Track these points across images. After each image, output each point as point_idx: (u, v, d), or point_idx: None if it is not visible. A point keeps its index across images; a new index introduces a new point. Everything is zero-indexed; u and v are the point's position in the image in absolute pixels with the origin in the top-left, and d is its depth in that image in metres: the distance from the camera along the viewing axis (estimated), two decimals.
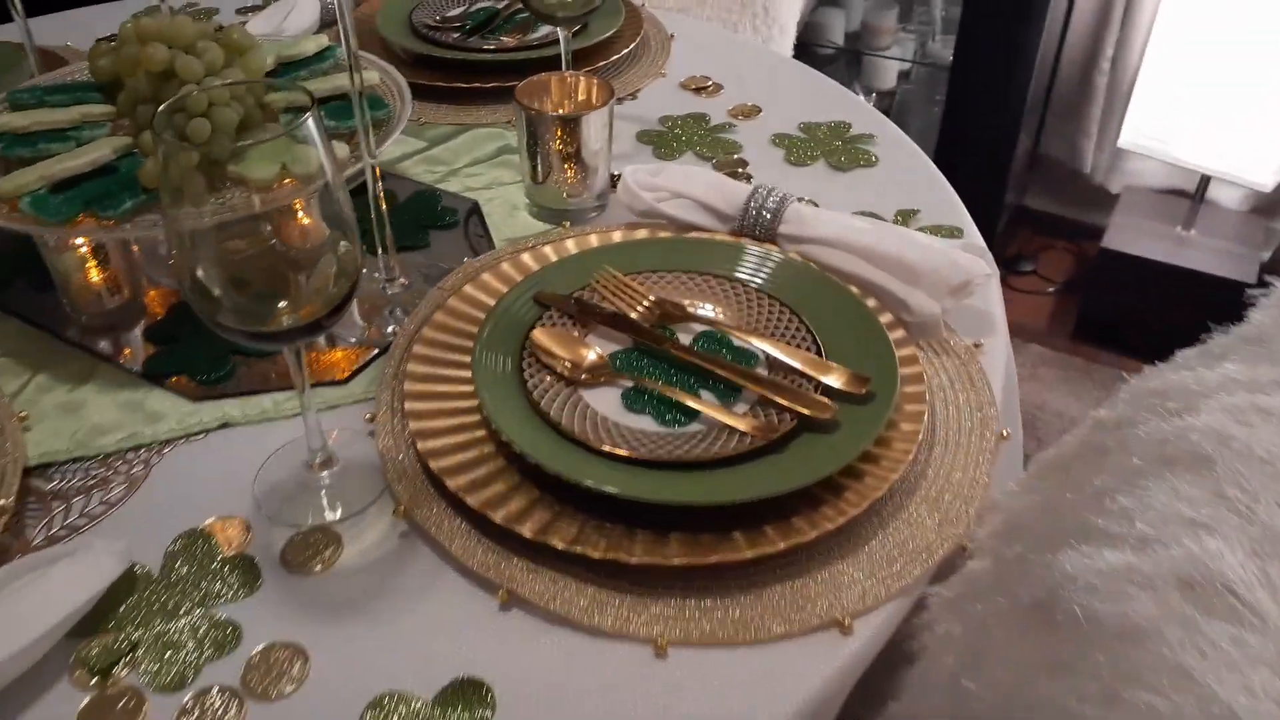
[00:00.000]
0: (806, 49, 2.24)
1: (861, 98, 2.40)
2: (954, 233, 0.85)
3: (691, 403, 0.65)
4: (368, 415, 0.69)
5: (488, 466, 0.63)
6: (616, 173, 0.92)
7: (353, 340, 0.76)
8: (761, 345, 0.69)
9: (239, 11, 1.26)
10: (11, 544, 0.61)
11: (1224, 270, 1.96)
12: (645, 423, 0.65)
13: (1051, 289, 2.28)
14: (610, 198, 0.89)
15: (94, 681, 0.54)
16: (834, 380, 0.66)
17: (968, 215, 0.88)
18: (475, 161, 0.96)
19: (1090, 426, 0.60)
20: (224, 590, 0.58)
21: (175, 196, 0.54)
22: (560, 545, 0.57)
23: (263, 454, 0.67)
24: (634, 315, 0.73)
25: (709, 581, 0.58)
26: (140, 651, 0.55)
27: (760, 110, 1.05)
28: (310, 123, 0.53)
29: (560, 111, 0.87)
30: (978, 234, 0.86)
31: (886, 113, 2.31)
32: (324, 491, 0.64)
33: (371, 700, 0.53)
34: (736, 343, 0.71)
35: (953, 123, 2.10)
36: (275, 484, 0.65)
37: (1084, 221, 2.38)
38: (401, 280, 0.79)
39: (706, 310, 0.74)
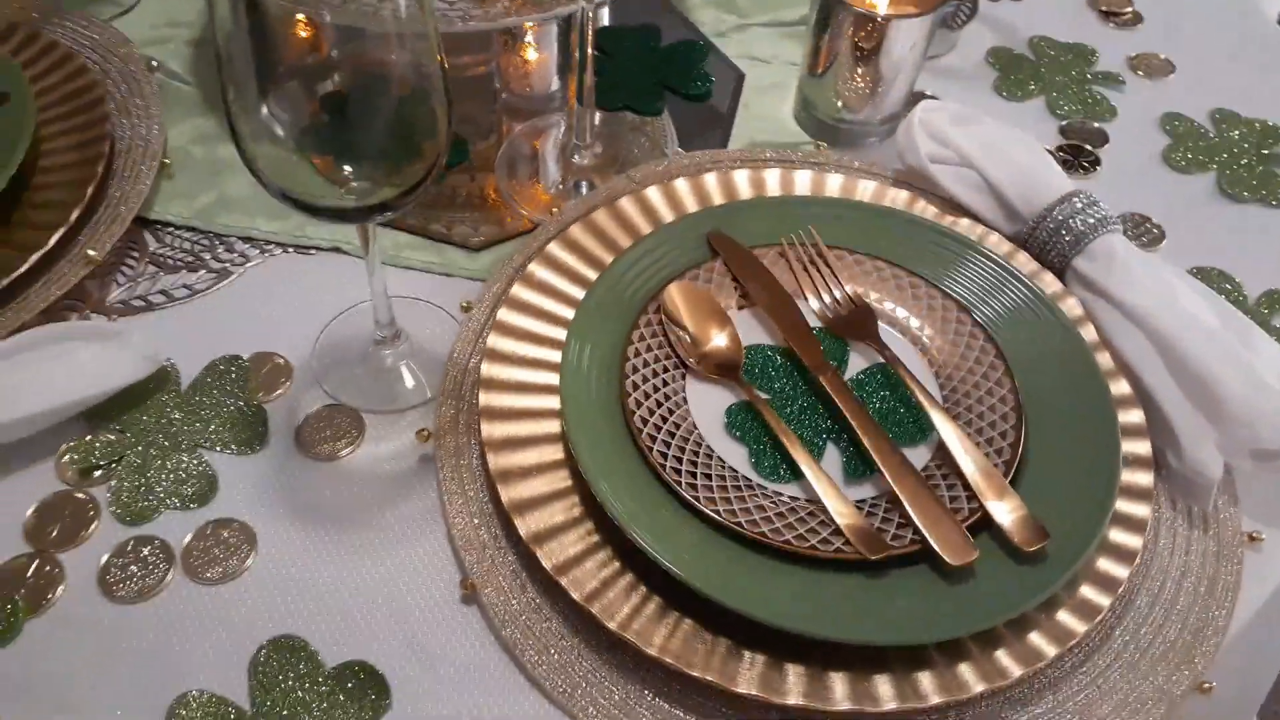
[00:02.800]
0: None
1: None
2: None
3: (804, 463, 0.49)
4: (464, 303, 0.59)
5: (553, 479, 0.50)
6: (925, 91, 0.71)
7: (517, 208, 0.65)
8: (942, 421, 0.51)
9: None
10: (92, 294, 0.59)
11: None
12: (738, 455, 0.51)
13: None
14: (901, 125, 0.69)
15: (72, 476, 0.52)
16: (1000, 511, 0.47)
17: None
18: (774, 24, 0.77)
19: None
20: (226, 438, 0.53)
21: None
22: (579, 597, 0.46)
23: (362, 296, 0.59)
24: (814, 302, 0.56)
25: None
26: (120, 466, 0.52)
27: (1173, 70, 0.76)
28: None
29: (865, 4, 0.66)
30: None
31: None
32: (376, 372, 0.57)
33: (273, 639, 0.46)
34: (913, 401, 0.52)
35: None
36: (341, 341, 0.58)
37: None
38: (596, 150, 0.66)
39: (905, 343, 0.56)
